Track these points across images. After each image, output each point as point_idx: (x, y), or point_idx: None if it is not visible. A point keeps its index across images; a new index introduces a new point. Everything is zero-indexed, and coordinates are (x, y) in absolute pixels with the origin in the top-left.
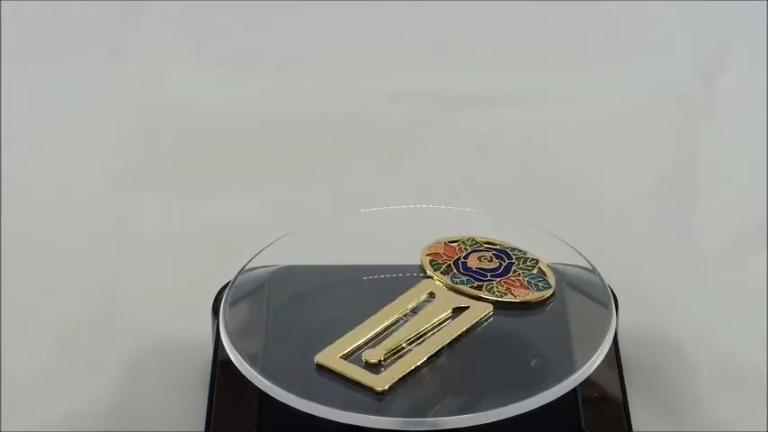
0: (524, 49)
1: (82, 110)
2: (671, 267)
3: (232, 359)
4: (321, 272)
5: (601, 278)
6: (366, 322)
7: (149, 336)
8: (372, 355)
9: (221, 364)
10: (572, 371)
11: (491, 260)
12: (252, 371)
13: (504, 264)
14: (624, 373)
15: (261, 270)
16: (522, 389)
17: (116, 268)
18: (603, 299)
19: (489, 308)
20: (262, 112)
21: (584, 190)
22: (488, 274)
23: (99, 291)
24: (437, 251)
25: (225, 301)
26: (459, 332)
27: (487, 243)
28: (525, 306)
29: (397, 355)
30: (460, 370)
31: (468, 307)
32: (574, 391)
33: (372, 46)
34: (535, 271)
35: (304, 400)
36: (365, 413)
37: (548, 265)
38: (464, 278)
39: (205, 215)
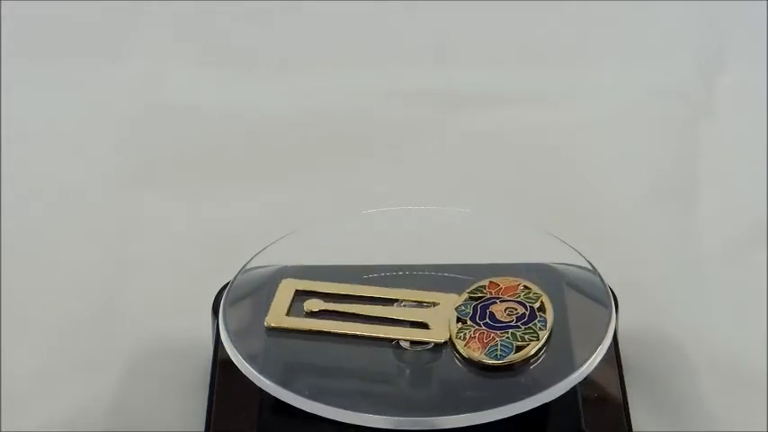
0: (524, 49)
1: (82, 110)
2: (671, 267)
3: (232, 359)
4: (321, 272)
5: (601, 278)
6: (358, 285)
7: (149, 336)
8: (313, 305)
9: (221, 364)
10: (572, 370)
11: (509, 315)
12: (252, 370)
13: (510, 324)
14: (624, 372)
15: (261, 270)
16: (521, 388)
17: (116, 268)
18: (603, 299)
19: (443, 339)
20: (262, 112)
21: (584, 190)
22: (485, 321)
23: (99, 291)
24: (499, 283)
25: (225, 301)
26: (386, 336)
27: (542, 309)
28: (463, 358)
29: (330, 318)
30: (447, 368)
31: (428, 328)
32: (574, 390)
33: (372, 46)
34: (516, 342)
35: (304, 399)
36: (365, 412)
37: (538, 351)
38: (467, 311)
39: (205, 215)
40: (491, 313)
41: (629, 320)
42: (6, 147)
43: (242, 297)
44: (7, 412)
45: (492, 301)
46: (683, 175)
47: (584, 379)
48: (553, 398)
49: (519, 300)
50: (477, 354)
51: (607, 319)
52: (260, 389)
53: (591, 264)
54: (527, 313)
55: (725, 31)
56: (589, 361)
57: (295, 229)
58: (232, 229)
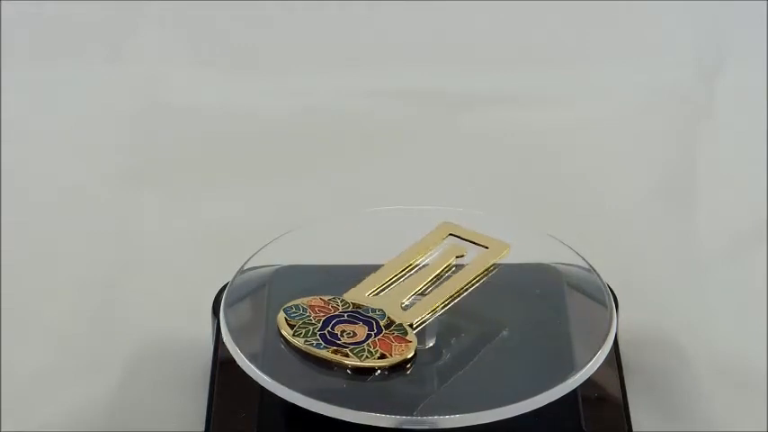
0: (524, 49)
1: (82, 110)
2: (671, 267)
3: (233, 356)
4: (321, 271)
5: (600, 279)
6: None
7: (149, 336)
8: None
9: (222, 364)
10: (572, 371)
11: (340, 332)
12: (253, 368)
13: (324, 335)
14: (624, 373)
15: (260, 269)
16: (522, 389)
17: (116, 268)
18: (603, 299)
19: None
20: (261, 112)
21: (584, 190)
22: (331, 320)
23: (99, 291)
24: (405, 331)
25: (225, 300)
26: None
27: (360, 369)
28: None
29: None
30: (456, 363)
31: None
32: (574, 391)
33: (372, 46)
34: (291, 337)
35: (306, 398)
36: (366, 411)
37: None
38: (357, 310)
39: (205, 215)
40: (345, 321)
41: (629, 320)
42: (6, 147)
43: (242, 296)
44: (7, 412)
45: (373, 325)
46: (683, 175)
47: (585, 379)
48: (553, 398)
49: (377, 341)
50: (282, 321)
51: (607, 320)
52: (260, 388)
53: (590, 264)
54: (345, 343)
55: (725, 31)
56: (590, 363)
57: (294, 229)
58: (232, 229)
